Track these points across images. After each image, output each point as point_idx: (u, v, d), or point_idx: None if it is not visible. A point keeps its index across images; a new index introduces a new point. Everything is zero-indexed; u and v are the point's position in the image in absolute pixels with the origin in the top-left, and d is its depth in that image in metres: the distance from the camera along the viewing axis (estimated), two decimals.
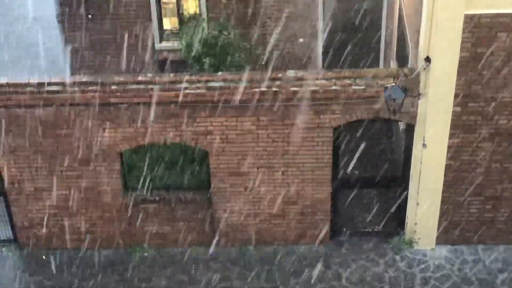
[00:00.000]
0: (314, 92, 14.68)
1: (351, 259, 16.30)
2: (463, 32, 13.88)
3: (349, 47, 19.56)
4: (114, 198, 15.99)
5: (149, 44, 19.57)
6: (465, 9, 13.64)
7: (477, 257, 16.20)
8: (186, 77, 14.72)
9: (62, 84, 14.68)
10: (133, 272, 16.21)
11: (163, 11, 19.59)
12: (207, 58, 16.29)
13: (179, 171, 16.57)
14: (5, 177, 15.75)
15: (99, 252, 16.55)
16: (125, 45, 19.42)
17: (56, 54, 21.45)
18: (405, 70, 14.72)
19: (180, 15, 19.56)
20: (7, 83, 14.64)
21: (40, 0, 23.95)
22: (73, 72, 19.78)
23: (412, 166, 15.61)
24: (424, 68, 14.38)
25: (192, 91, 14.66)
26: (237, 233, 16.45)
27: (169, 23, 19.87)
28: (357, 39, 19.53)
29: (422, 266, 16.09)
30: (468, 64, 14.23)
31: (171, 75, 14.85)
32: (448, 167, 15.40)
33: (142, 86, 14.66)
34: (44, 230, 16.40)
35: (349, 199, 16.54)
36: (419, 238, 16.29)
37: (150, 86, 14.65)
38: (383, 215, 16.83)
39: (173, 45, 19.07)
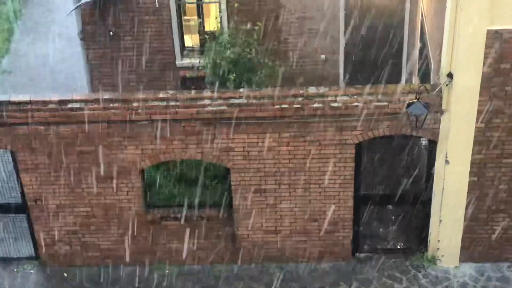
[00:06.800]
0: (335, 108, 14.64)
1: (373, 276, 16.18)
2: (486, 48, 13.81)
3: (370, 63, 19.51)
4: (136, 215, 15.98)
5: (171, 61, 19.62)
6: (487, 24, 13.59)
7: (501, 275, 16.04)
8: (208, 94, 14.74)
9: (84, 101, 14.73)
10: None
11: (184, 28, 19.63)
12: (232, 74, 16.30)
13: (201, 188, 16.54)
14: (27, 194, 15.79)
15: (121, 270, 16.53)
16: (147, 61, 19.49)
17: (77, 71, 21.53)
18: (427, 86, 14.65)
19: (201, 32, 19.59)
20: (30, 100, 14.71)
21: (62, 17, 24.08)
22: (95, 89, 19.84)
23: (434, 183, 15.51)
24: (447, 84, 14.31)
25: (214, 108, 14.66)
26: (259, 251, 16.39)
27: (190, 40, 19.91)
28: (379, 55, 19.47)
29: (446, 284, 15.94)
30: (491, 80, 14.15)
31: (193, 92, 14.87)
32: (471, 184, 15.28)
33: (163, 103, 14.68)
34: (65, 247, 16.41)
35: (371, 216, 16.44)
36: (442, 256, 16.16)
37: (171, 103, 14.67)
38: (406, 232, 16.73)
39: (194, 62, 19.08)
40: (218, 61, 16.76)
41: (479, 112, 14.48)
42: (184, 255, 16.52)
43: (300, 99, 14.64)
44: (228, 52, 16.79)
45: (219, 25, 19.09)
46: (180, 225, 16.18)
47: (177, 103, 14.67)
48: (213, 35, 17.63)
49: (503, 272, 16.09)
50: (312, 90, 14.72)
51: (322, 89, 14.74)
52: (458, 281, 15.97)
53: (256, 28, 17.06)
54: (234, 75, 16.26)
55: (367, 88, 14.72)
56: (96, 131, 14.99)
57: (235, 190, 15.68)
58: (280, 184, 15.58)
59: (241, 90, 14.98)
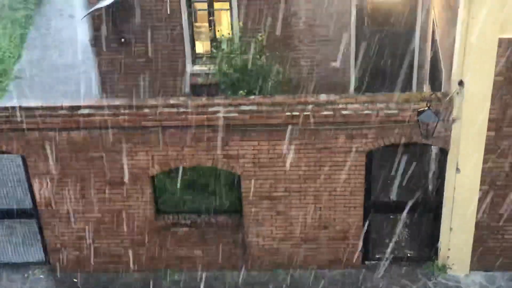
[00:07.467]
0: (346, 116, 14.63)
1: (383, 284, 16.15)
2: (497, 56, 13.79)
3: (381, 71, 19.50)
4: (146, 221, 16.00)
5: (182, 67, 19.65)
6: (499, 33, 13.57)
7: None
8: (218, 101, 14.75)
9: (95, 107, 14.76)
10: None
11: (195, 34, 19.68)
12: (243, 90, 16.32)
13: (211, 195, 16.55)
14: (38, 200, 15.83)
15: (130, 275, 16.55)
16: (158, 68, 19.53)
17: (89, 78, 21.60)
18: (438, 94, 14.63)
19: (212, 39, 19.62)
20: (41, 106, 14.75)
21: (74, 24, 24.17)
22: (106, 95, 19.89)
23: (445, 191, 15.48)
24: (458, 92, 14.29)
25: (224, 115, 14.67)
26: (268, 257, 16.38)
27: (201, 46, 19.95)
28: (390, 63, 19.46)
29: None
30: (503, 88, 14.12)
31: (203, 98, 14.89)
32: (482, 192, 15.24)
33: (174, 110, 14.70)
34: (75, 252, 16.43)
35: (381, 224, 16.40)
36: (453, 264, 16.11)
37: (182, 110, 14.69)
38: (416, 240, 16.68)
39: (205, 69, 19.12)
40: (228, 68, 16.78)
41: (490, 121, 14.46)
42: (193, 262, 16.52)
43: (310, 106, 14.63)
44: (238, 59, 16.82)
45: (230, 32, 19.12)
46: (190, 232, 16.18)
47: (188, 110, 14.69)
48: (223, 42, 17.66)
49: None
50: (322, 97, 14.71)
51: (332, 97, 14.74)
52: None
53: (260, 38, 17.08)
54: (244, 91, 16.26)
55: (378, 96, 14.71)
56: (106, 137, 15.02)
57: (245, 197, 15.68)
58: (290, 191, 15.57)
59: (252, 97, 14.99)
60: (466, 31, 13.68)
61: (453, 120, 14.63)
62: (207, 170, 16.72)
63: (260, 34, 17.23)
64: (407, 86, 19.69)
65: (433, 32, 17.55)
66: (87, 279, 16.54)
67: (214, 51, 17.87)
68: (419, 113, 14.31)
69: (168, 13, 18.99)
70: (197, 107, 14.69)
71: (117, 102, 14.87)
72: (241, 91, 16.25)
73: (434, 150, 16.07)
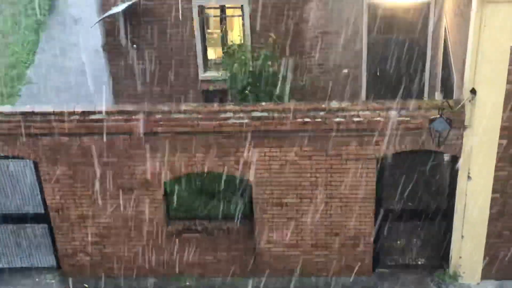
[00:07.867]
0: (358, 123, 14.62)
1: None
2: (509, 64, 13.76)
3: (393, 78, 19.48)
4: (157, 227, 16.01)
5: (193, 73, 19.68)
6: (511, 41, 13.53)
7: None
8: (230, 107, 14.76)
9: (107, 113, 14.80)
10: None
11: (207, 41, 19.71)
12: (248, 89, 16.32)
13: (222, 201, 16.55)
14: (49, 205, 15.86)
15: (141, 281, 16.56)
16: (169, 74, 19.56)
17: (101, 83, 21.65)
18: (450, 101, 14.61)
19: (224, 45, 19.64)
20: (53, 111, 14.80)
21: (86, 29, 24.25)
22: (118, 101, 19.94)
23: (457, 199, 15.44)
24: (470, 100, 14.26)
25: (236, 121, 14.68)
26: (279, 264, 16.37)
27: (213, 53, 19.98)
28: (401, 70, 19.44)
29: None
30: None
31: (215, 104, 14.91)
32: (493, 200, 15.20)
33: (185, 116, 14.72)
34: (86, 258, 16.46)
35: (392, 231, 16.37)
36: (464, 272, 16.06)
37: (193, 116, 14.71)
38: (427, 247, 16.64)
39: (217, 75, 19.15)
40: (239, 74, 16.80)
41: (502, 128, 14.42)
42: (204, 267, 16.52)
43: (322, 113, 14.64)
44: (250, 66, 16.83)
45: (242, 38, 19.14)
46: (201, 238, 16.19)
47: (199, 116, 14.72)
48: (235, 49, 17.69)
49: None
50: (334, 104, 14.71)
51: (344, 104, 14.74)
52: None
53: (271, 40, 17.06)
54: (248, 89, 16.26)
55: (390, 103, 14.70)
56: (118, 142, 15.05)
57: (256, 203, 15.68)
58: (301, 198, 15.56)
59: (263, 103, 15.00)
60: (478, 39, 13.66)
61: (465, 128, 14.60)
62: (218, 176, 16.71)
63: (271, 37, 17.23)
64: (419, 93, 19.66)
65: (445, 39, 17.53)
66: (98, 284, 16.56)
67: (228, 51, 17.89)
68: (431, 120, 14.30)
69: (180, 19, 19.03)
70: (208, 113, 14.71)
71: (129, 107, 14.91)
72: (246, 91, 16.25)
73: (446, 157, 16.03)
